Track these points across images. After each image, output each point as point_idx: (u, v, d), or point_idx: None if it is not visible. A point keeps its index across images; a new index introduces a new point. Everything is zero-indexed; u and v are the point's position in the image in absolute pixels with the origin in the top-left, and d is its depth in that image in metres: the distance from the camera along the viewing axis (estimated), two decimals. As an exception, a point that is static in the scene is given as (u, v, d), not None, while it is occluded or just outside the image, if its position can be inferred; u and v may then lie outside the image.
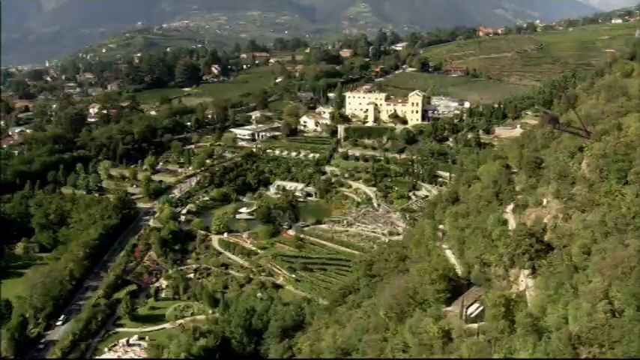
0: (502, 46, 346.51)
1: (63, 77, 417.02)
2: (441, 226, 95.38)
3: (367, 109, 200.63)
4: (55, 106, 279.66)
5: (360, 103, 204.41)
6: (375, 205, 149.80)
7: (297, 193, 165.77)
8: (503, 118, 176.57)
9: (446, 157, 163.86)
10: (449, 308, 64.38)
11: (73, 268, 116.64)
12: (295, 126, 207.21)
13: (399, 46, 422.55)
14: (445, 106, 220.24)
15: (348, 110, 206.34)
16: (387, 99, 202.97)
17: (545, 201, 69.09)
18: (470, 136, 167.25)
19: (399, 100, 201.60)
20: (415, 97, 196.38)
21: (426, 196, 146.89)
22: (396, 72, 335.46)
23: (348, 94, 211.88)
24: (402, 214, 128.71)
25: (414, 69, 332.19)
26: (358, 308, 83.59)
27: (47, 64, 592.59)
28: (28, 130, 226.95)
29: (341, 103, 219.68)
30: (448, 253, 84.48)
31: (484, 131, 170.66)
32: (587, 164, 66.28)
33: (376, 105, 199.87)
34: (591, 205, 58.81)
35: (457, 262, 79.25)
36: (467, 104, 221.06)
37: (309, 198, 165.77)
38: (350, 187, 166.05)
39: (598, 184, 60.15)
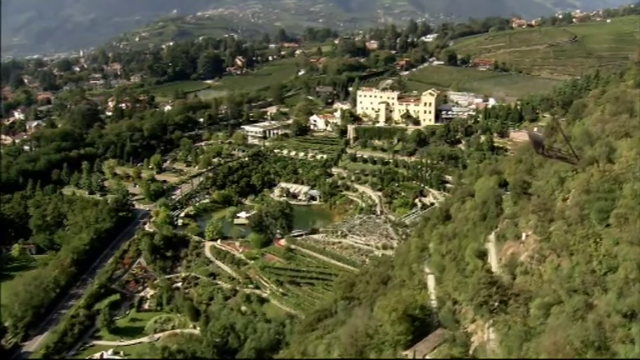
0: (534, 38, 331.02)
1: (93, 67, 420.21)
2: (431, 245, 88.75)
3: (379, 109, 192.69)
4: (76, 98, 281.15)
5: (371, 102, 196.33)
6: (378, 211, 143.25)
7: (300, 197, 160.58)
8: (519, 121, 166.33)
9: (457, 161, 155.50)
10: (407, 352, 58.26)
11: (57, 275, 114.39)
12: (305, 125, 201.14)
13: (429, 37, 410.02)
14: (468, 103, 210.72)
15: (360, 109, 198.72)
16: (400, 98, 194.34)
17: (524, 235, 61.63)
18: (483, 139, 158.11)
19: (412, 100, 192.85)
20: (428, 97, 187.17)
21: (432, 204, 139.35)
22: (422, 65, 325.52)
23: (359, 92, 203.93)
24: (394, 229, 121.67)
25: (441, 62, 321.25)
26: (329, 333, 78.01)
27: (81, 53, 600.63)
28: (44, 124, 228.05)
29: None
30: (430, 279, 77.73)
31: (498, 134, 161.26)
32: (572, 196, 58.55)
33: (388, 104, 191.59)
34: (566, 249, 51.28)
35: (435, 293, 72.70)
36: (491, 101, 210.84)
37: (313, 201, 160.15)
38: (356, 190, 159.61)
39: (576, 224, 52.40)
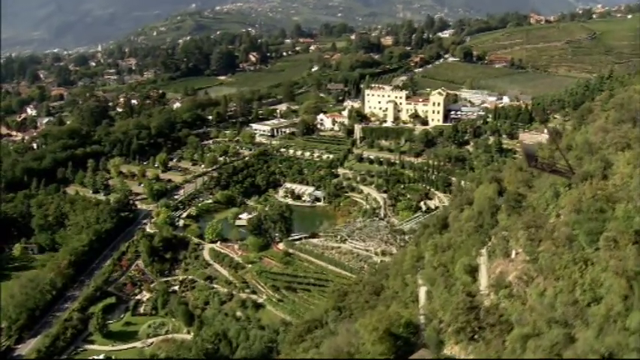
0: (552, 34, 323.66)
1: (108, 62, 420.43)
2: (425, 256, 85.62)
3: (387, 108, 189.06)
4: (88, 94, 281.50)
5: (379, 102, 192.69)
6: (382, 214, 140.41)
7: (304, 198, 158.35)
8: (529, 122, 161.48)
9: (464, 163, 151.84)
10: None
11: (54, 276, 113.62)
12: (312, 124, 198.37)
13: (445, 33, 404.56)
14: (481, 101, 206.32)
15: (367, 108, 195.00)
16: (408, 97, 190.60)
17: (514, 253, 58.47)
18: (491, 140, 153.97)
19: (420, 99, 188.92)
20: (437, 97, 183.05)
21: (437, 208, 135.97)
22: (437, 62, 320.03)
23: (367, 92, 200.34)
24: (392, 235, 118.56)
25: (456, 59, 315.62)
26: (315, 348, 75.70)
27: (99, 47, 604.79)
28: (53, 121, 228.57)
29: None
30: (422, 292, 74.90)
31: (508, 136, 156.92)
32: (563, 215, 55.21)
33: (396, 103, 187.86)
34: (553, 273, 48.14)
35: (424, 308, 69.81)
36: (505, 99, 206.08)
37: (317, 203, 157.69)
38: (361, 192, 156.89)
39: (564, 246, 49.12)
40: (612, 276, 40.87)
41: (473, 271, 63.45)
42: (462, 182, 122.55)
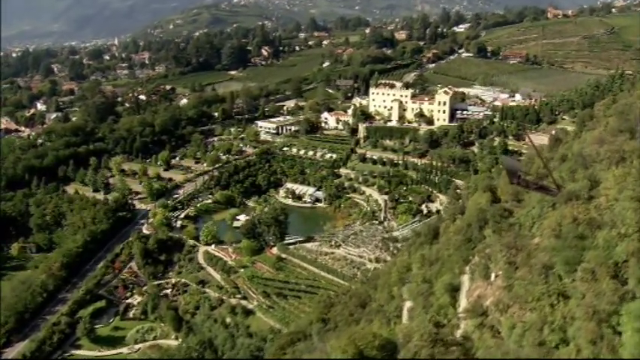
0: (569, 29, 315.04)
1: (123, 55, 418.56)
2: (413, 268, 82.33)
3: (392, 107, 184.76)
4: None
5: (384, 100, 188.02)
6: (382, 217, 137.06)
7: (305, 198, 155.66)
8: (537, 123, 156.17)
9: (468, 164, 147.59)
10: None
11: (46, 278, 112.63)
12: (316, 122, 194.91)
13: (461, 28, 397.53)
14: (493, 99, 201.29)
15: (372, 107, 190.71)
16: (414, 96, 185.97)
17: (493, 276, 55.09)
18: (497, 141, 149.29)
19: (426, 98, 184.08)
20: (442, 96, 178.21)
21: (438, 211, 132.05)
22: (451, 57, 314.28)
23: (372, 90, 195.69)
24: (384, 242, 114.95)
25: (470, 54, 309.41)
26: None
27: (116, 41, 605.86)
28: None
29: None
30: (406, 306, 71.71)
31: (514, 137, 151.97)
32: (544, 238, 51.67)
33: (401, 102, 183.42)
34: (526, 304, 44.84)
35: (406, 325, 66.66)
36: (518, 96, 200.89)
37: (318, 204, 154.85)
38: (363, 193, 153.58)
39: (539, 275, 45.71)
40: (583, 315, 37.46)
41: (455, 290, 60.25)
42: (461, 187, 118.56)
